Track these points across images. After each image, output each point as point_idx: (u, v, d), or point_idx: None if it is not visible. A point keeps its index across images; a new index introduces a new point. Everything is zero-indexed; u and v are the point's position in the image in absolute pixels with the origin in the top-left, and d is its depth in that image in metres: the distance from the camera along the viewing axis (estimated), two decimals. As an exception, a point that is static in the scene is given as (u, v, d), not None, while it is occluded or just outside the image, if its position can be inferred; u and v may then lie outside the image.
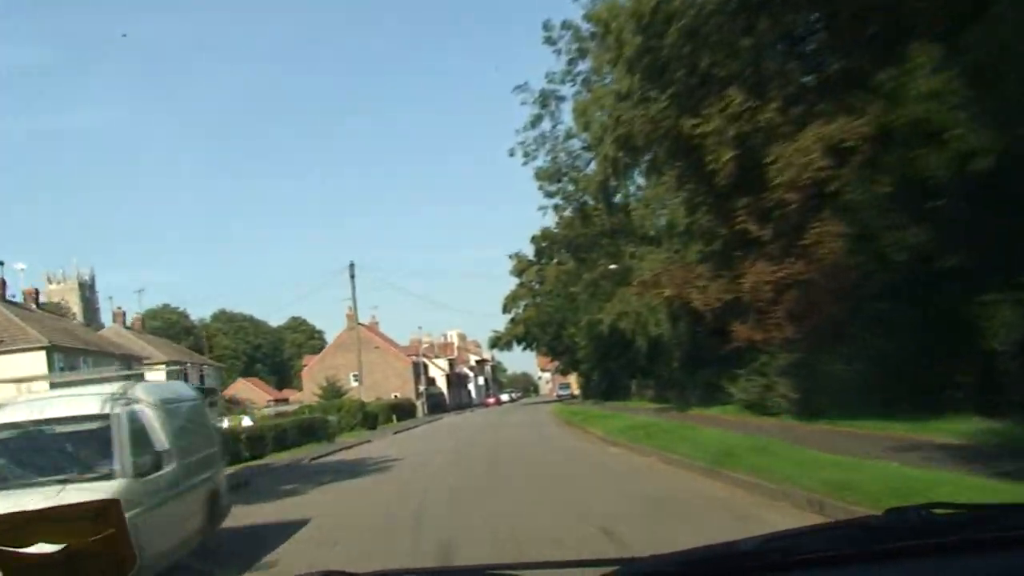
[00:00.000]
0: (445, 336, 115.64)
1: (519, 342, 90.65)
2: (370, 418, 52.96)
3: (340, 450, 32.80)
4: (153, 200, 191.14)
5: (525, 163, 43.73)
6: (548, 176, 43.00)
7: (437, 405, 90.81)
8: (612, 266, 43.04)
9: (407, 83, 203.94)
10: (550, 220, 56.22)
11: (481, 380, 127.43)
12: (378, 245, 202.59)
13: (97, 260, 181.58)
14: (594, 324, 45.31)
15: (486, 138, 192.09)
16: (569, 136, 43.03)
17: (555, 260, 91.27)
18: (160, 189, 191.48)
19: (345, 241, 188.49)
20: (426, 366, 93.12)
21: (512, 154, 44.10)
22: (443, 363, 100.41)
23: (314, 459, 28.47)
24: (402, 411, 68.32)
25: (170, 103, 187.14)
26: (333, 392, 67.84)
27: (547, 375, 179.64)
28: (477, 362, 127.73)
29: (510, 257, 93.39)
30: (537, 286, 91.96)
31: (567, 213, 43.96)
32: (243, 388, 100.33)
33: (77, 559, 1.48)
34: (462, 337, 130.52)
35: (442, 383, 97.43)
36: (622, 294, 39.55)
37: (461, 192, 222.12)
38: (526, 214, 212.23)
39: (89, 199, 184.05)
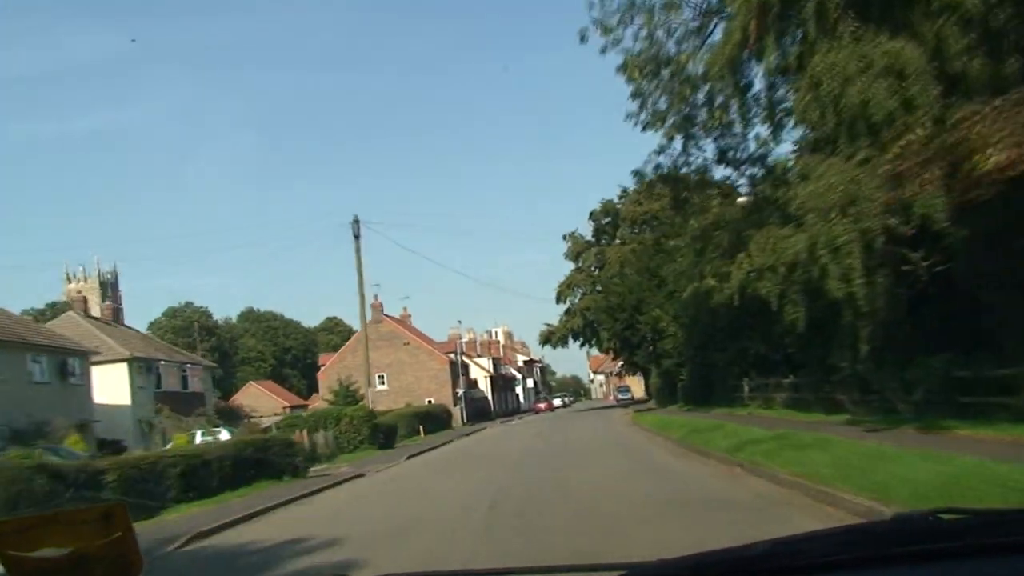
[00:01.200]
0: (490, 333, 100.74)
1: (575, 337, 75.42)
2: (383, 432, 38.10)
3: (288, 502, 17.72)
4: (191, 204, 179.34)
5: (604, 50, 28.49)
6: (641, 64, 27.69)
7: (479, 411, 75.87)
8: (742, 199, 27.63)
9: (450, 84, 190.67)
10: (645, 142, 40.78)
11: (530, 383, 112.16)
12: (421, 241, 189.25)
13: (132, 262, 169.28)
14: (705, 294, 29.92)
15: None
16: (671, 5, 27.77)
17: (618, 239, 76.09)
18: (196, 193, 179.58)
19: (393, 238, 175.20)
20: (466, 366, 78.22)
21: (584, 39, 28.87)
22: (486, 362, 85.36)
23: (200, 535, 13.43)
24: (434, 420, 53.38)
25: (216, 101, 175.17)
26: (346, 397, 53.30)
27: (600, 377, 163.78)
28: (525, 363, 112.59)
29: (564, 238, 78.36)
30: (596, 271, 76.77)
31: (669, 122, 28.46)
32: (254, 393, 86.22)
33: (84, 562, 1.44)
34: (508, 335, 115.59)
35: (485, 386, 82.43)
36: (765, 239, 24.07)
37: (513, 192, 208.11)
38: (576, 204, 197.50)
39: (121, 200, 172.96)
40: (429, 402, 67.12)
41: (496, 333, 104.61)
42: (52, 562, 1.43)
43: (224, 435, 40.66)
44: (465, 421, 65.56)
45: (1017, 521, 1.79)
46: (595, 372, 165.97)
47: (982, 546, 1.65)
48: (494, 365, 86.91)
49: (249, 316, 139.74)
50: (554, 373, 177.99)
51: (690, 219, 30.20)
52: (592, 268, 74.48)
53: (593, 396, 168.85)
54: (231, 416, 66.04)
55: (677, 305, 39.43)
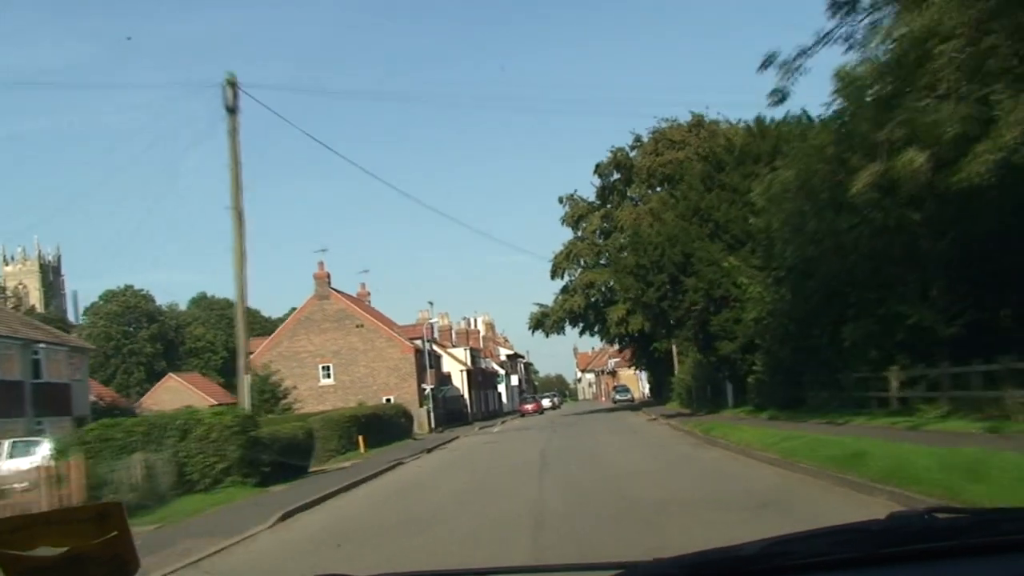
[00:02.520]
0: (468, 321, 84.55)
1: (575, 321, 59.56)
2: (270, 451, 21.91)
3: None
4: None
5: None
6: None
7: (453, 413, 59.86)
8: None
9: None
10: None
11: (514, 380, 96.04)
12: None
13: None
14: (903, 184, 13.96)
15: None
16: None
17: (630, 198, 60.38)
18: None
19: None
20: (437, 357, 62.20)
21: None
22: (462, 353, 69.25)
23: None
24: (386, 427, 37.20)
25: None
26: (263, 393, 37.39)
27: (590, 376, 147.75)
28: (508, 357, 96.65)
29: (561, 200, 62.42)
30: (602, 239, 61.01)
31: None
32: (173, 388, 69.59)
33: (80, 562, 1.42)
34: (490, 326, 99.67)
35: (460, 382, 66.35)
36: None
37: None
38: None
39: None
40: (388, 400, 51.28)
41: (476, 322, 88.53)
42: (48, 561, 1.38)
43: (39, 454, 24.74)
44: (433, 426, 49.61)
45: (1012, 520, 1.74)
46: (583, 370, 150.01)
47: (977, 545, 1.61)
48: (472, 357, 70.84)
49: (201, 302, 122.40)
50: (536, 372, 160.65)
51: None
52: (597, 235, 58.65)
53: (580, 397, 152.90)
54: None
55: (778, 244, 23.60)
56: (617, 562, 1.77)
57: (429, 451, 30.60)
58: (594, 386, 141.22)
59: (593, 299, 57.24)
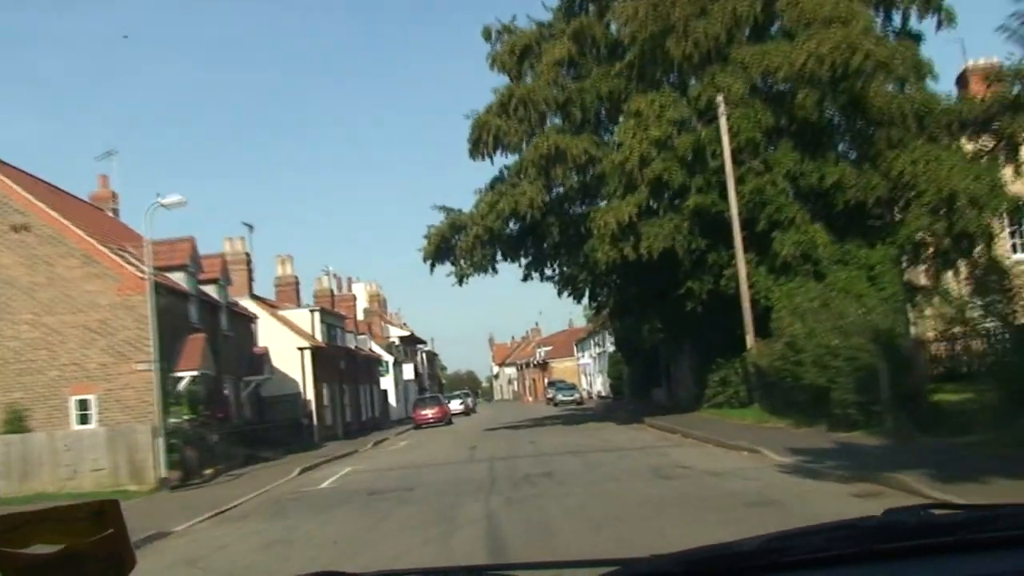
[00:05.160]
0: (337, 281, 53.44)
1: (514, 248, 30.24)
2: None
3: None
4: None
5: None
6: None
7: (279, 431, 29.46)
8: None
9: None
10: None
11: (408, 371, 65.04)
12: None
13: None
14: None
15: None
16: None
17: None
18: None
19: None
20: (246, 319, 31.50)
21: None
22: (304, 318, 38.27)
23: None
24: None
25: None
26: None
27: (510, 371, 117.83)
28: (402, 339, 65.98)
29: (488, 37, 32.00)
30: (573, 80, 31.81)
31: None
32: None
33: (76, 560, 1.38)
34: (378, 299, 68.57)
35: (300, 367, 35.33)
36: None
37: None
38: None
39: None
40: (82, 403, 20.92)
41: (345, 282, 57.27)
42: (44, 559, 1.35)
43: None
44: (170, 478, 19.09)
45: (1008, 516, 1.68)
46: (501, 364, 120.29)
47: (973, 541, 1.59)
48: (326, 327, 39.85)
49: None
50: (444, 368, 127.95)
51: None
52: (565, 72, 28.92)
53: (497, 396, 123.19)
54: None
55: None
56: (615, 558, 1.72)
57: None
58: (515, 383, 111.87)
59: (558, 193, 27.66)
